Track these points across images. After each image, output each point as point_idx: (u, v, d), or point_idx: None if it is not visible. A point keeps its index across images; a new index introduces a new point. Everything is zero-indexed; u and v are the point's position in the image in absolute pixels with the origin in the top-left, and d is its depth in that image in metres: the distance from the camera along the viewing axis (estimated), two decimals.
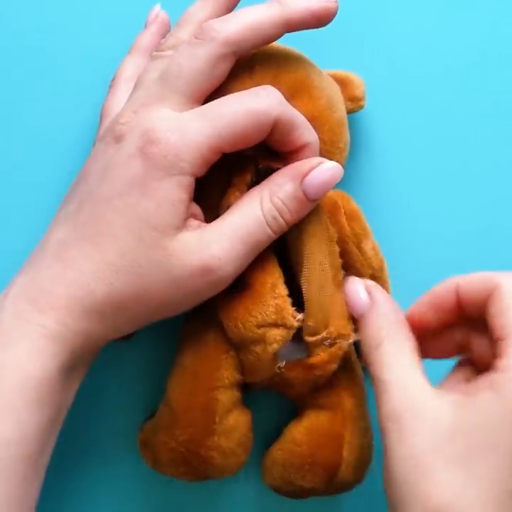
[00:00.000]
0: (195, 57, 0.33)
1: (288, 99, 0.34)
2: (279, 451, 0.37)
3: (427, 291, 0.34)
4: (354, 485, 0.38)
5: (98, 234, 0.32)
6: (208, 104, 0.33)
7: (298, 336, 0.35)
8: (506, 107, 0.42)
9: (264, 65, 0.35)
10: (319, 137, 0.35)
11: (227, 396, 0.36)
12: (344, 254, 0.36)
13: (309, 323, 0.35)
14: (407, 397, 0.31)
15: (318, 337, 0.34)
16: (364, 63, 0.42)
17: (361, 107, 0.40)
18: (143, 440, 0.38)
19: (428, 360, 0.35)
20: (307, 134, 0.34)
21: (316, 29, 0.35)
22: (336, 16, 0.34)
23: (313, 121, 0.35)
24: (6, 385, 0.31)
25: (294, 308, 0.35)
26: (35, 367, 0.31)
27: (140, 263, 0.32)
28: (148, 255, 0.32)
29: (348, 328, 0.35)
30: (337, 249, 0.35)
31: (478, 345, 0.34)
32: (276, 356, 0.35)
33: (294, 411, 0.39)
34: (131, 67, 0.38)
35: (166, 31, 0.40)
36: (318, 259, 0.35)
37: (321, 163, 0.34)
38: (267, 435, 0.39)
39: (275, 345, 0.34)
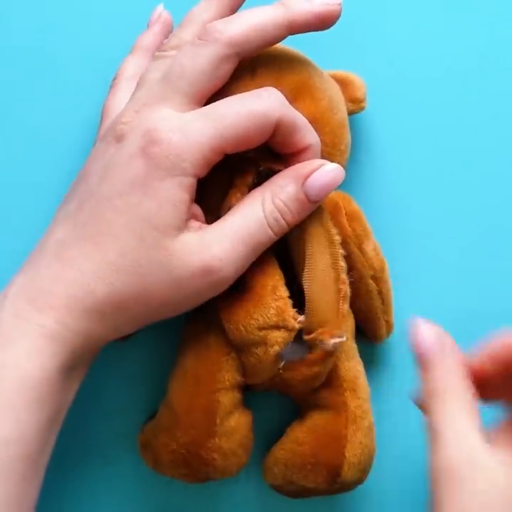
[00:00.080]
0: (198, 57, 0.33)
1: (290, 101, 0.34)
2: (281, 451, 0.37)
3: (487, 343, 0.33)
4: (356, 485, 0.38)
5: (98, 233, 0.32)
6: (211, 105, 0.33)
7: (299, 336, 0.35)
8: (507, 110, 0.42)
9: (267, 67, 0.35)
10: (320, 139, 0.35)
11: (228, 398, 0.36)
12: (345, 255, 0.36)
13: (309, 323, 0.35)
14: (462, 453, 0.30)
15: (313, 335, 0.34)
16: (365, 65, 0.41)
17: (362, 109, 0.40)
18: (143, 441, 0.38)
19: None
20: (309, 136, 0.34)
21: (318, 31, 0.35)
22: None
23: (315, 123, 0.35)
24: (5, 385, 0.31)
25: (295, 309, 0.35)
26: (34, 366, 0.31)
27: (141, 263, 0.32)
28: (149, 255, 0.32)
29: (342, 328, 0.35)
30: (339, 251, 0.35)
31: None
32: (277, 358, 0.35)
33: (295, 411, 0.39)
34: (132, 67, 0.38)
35: (168, 31, 0.40)
36: (319, 259, 0.35)
37: (323, 165, 0.34)
38: (267, 436, 0.39)
39: (276, 347, 0.34)
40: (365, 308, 0.38)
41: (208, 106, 0.33)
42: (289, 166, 0.34)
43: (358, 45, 0.42)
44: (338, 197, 0.37)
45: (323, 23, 0.34)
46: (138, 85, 0.35)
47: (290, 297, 0.35)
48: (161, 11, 0.40)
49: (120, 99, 0.37)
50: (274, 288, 0.34)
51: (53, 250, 0.33)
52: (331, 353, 0.35)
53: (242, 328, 0.34)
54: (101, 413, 0.41)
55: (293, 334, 0.34)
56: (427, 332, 0.32)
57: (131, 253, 0.32)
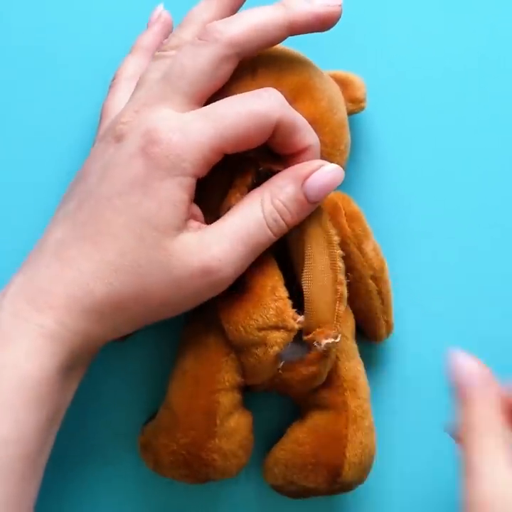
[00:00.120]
0: (199, 57, 0.33)
1: (290, 102, 0.34)
2: (281, 451, 0.37)
3: None
4: (357, 485, 0.38)
5: (98, 233, 0.32)
6: (211, 105, 0.33)
7: (299, 337, 0.35)
8: (507, 110, 0.42)
9: (267, 67, 0.35)
10: (320, 139, 0.35)
11: (228, 398, 0.36)
12: (345, 255, 0.36)
13: (308, 323, 0.35)
14: (498, 487, 0.30)
15: (311, 336, 0.34)
16: (365, 65, 0.42)
17: (362, 109, 0.40)
18: (143, 443, 0.38)
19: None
20: (308, 136, 0.34)
21: (319, 33, 0.35)
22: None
23: (314, 123, 0.35)
24: (4, 385, 0.31)
25: (295, 310, 0.35)
26: (33, 366, 0.31)
27: (140, 263, 0.32)
28: (149, 255, 0.32)
29: (337, 329, 0.35)
30: (337, 252, 0.35)
31: None
32: (277, 358, 0.35)
33: (295, 412, 0.39)
34: (132, 67, 0.38)
35: (168, 31, 0.40)
36: (318, 260, 0.35)
37: (322, 165, 0.34)
38: (267, 436, 0.39)
39: (276, 348, 0.34)
40: (365, 308, 0.38)
41: (208, 106, 0.33)
42: (289, 166, 0.34)
43: (358, 45, 0.42)
44: (337, 197, 0.37)
45: (323, 24, 0.34)
46: (138, 85, 0.35)
47: (289, 298, 0.35)
48: (160, 11, 0.40)
49: (119, 99, 0.37)
50: (273, 288, 0.34)
51: (52, 250, 0.33)
52: (326, 353, 0.35)
53: (242, 328, 0.34)
54: (101, 413, 0.41)
55: (292, 335, 0.34)
56: (468, 366, 0.32)
57: (130, 253, 0.32)
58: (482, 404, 0.31)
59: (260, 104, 0.32)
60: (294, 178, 0.34)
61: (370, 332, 0.40)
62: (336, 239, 0.35)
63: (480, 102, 0.42)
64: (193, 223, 0.33)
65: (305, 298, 0.35)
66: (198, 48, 0.33)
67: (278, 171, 0.34)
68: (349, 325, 0.38)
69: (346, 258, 0.36)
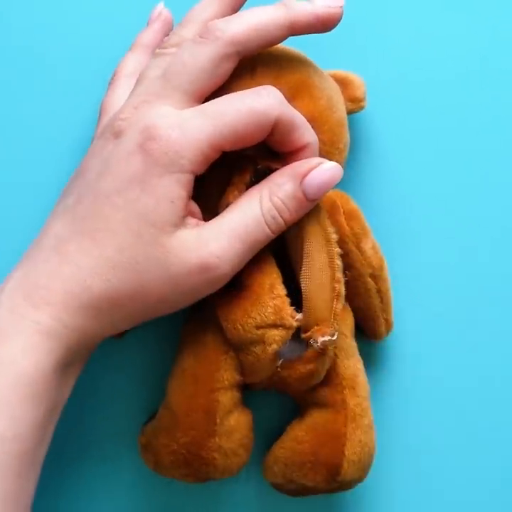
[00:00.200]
0: (199, 55, 0.33)
1: (289, 100, 0.34)
2: (281, 450, 0.37)
3: None
4: (356, 483, 0.37)
5: (96, 229, 0.32)
6: (209, 102, 0.33)
7: (297, 334, 0.35)
8: (507, 109, 0.42)
9: (266, 66, 0.35)
10: (319, 138, 0.35)
11: (227, 397, 0.36)
12: (344, 254, 0.36)
13: (307, 321, 0.35)
14: None
15: (309, 333, 0.34)
16: (365, 65, 0.42)
17: (362, 108, 0.40)
18: (144, 443, 0.38)
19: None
20: (307, 134, 0.34)
21: (319, 34, 0.35)
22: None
23: (313, 121, 0.35)
24: (1, 381, 0.31)
25: (293, 307, 0.34)
26: (29, 363, 0.31)
27: (138, 260, 0.32)
28: (147, 252, 0.32)
29: (334, 326, 0.35)
30: (335, 249, 0.35)
31: None
32: (275, 356, 0.35)
33: (295, 410, 0.39)
34: (132, 64, 0.38)
35: (168, 30, 0.39)
36: (317, 257, 0.35)
37: (321, 163, 0.34)
38: (267, 435, 0.39)
39: (274, 346, 0.34)
40: (365, 306, 0.38)
41: (206, 103, 0.33)
42: (287, 164, 0.34)
43: (357, 45, 0.42)
44: (336, 196, 0.37)
45: (324, 25, 0.34)
46: (137, 82, 0.35)
47: (288, 295, 0.35)
48: (161, 9, 0.40)
49: (118, 96, 0.37)
50: (271, 286, 0.34)
51: (51, 245, 0.33)
52: (324, 351, 0.35)
53: (240, 327, 0.34)
54: (100, 411, 0.41)
55: (291, 332, 0.34)
56: None
57: (128, 249, 0.32)
58: None
59: (259, 102, 0.32)
60: (292, 176, 0.34)
61: (369, 330, 0.40)
62: (334, 237, 0.35)
63: (480, 101, 0.42)
64: (191, 220, 0.33)
65: (303, 296, 0.35)
66: (198, 45, 0.33)
67: (276, 169, 0.34)
68: (348, 323, 0.38)
69: (345, 256, 0.36)
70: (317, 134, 0.35)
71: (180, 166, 0.32)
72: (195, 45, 0.33)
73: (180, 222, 0.32)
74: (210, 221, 0.33)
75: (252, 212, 0.33)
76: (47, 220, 0.34)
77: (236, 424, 0.36)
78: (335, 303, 0.35)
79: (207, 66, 0.33)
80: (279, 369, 0.35)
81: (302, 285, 0.35)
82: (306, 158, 0.34)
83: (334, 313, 0.34)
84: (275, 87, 0.33)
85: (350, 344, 0.38)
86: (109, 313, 0.33)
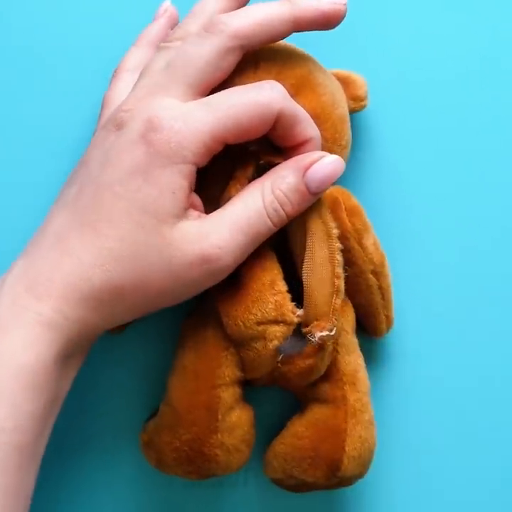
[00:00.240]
0: (203, 48, 0.33)
1: (292, 95, 0.34)
2: (281, 445, 0.37)
3: None
4: (356, 479, 0.37)
5: (98, 220, 0.32)
6: (213, 95, 0.33)
7: (298, 330, 0.35)
8: (507, 107, 0.43)
9: (269, 61, 0.36)
10: (321, 134, 0.35)
11: (228, 393, 0.36)
12: (345, 250, 0.36)
13: (307, 316, 0.35)
14: None
15: (308, 328, 0.34)
16: (367, 64, 0.42)
17: (363, 107, 0.40)
18: (146, 440, 0.38)
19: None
20: (309, 129, 0.34)
21: (323, 31, 0.35)
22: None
23: (316, 117, 0.35)
24: (0, 373, 0.31)
25: (294, 303, 0.35)
26: (30, 354, 0.31)
27: (139, 250, 0.32)
28: (148, 243, 0.32)
29: (333, 322, 0.35)
30: (336, 244, 0.35)
31: None
32: (276, 352, 0.35)
33: (295, 406, 0.39)
34: (135, 58, 0.38)
35: (173, 26, 0.39)
36: (318, 252, 0.35)
37: (323, 156, 0.34)
38: (268, 430, 0.39)
39: (275, 342, 0.34)
40: (366, 303, 0.39)
41: (210, 96, 0.33)
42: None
43: (359, 45, 0.42)
44: (337, 192, 0.37)
45: (328, 21, 0.35)
46: (141, 74, 0.35)
47: (288, 291, 0.35)
48: (167, 6, 0.40)
49: (121, 90, 0.37)
50: (272, 282, 0.34)
51: (53, 236, 0.33)
52: (322, 346, 0.35)
53: (241, 323, 0.34)
54: (101, 407, 0.41)
55: (292, 328, 0.34)
56: None
57: (129, 240, 0.32)
58: None
59: (262, 95, 0.33)
60: (295, 169, 0.34)
61: (370, 327, 0.40)
62: (336, 232, 0.35)
63: (481, 100, 0.42)
64: (193, 212, 0.33)
65: (304, 291, 0.35)
66: (203, 38, 0.33)
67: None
68: (349, 319, 0.38)
69: (347, 253, 0.36)
70: (319, 130, 0.35)
71: (182, 157, 0.32)
72: (199, 38, 0.33)
73: (181, 214, 0.32)
74: (212, 213, 0.33)
75: (254, 204, 0.33)
76: (49, 212, 0.34)
77: (238, 420, 0.36)
78: (334, 298, 0.35)
79: (211, 59, 0.33)
80: (279, 364, 0.35)
81: (304, 279, 0.35)
82: (308, 152, 0.34)
83: (333, 309, 0.34)
84: (278, 82, 0.34)
85: (351, 340, 0.38)
86: (110, 305, 0.32)
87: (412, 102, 0.42)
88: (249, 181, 0.35)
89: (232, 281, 0.35)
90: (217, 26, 0.33)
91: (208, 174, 0.34)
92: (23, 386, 0.31)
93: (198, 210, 0.34)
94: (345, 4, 0.34)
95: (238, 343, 0.35)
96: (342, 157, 0.36)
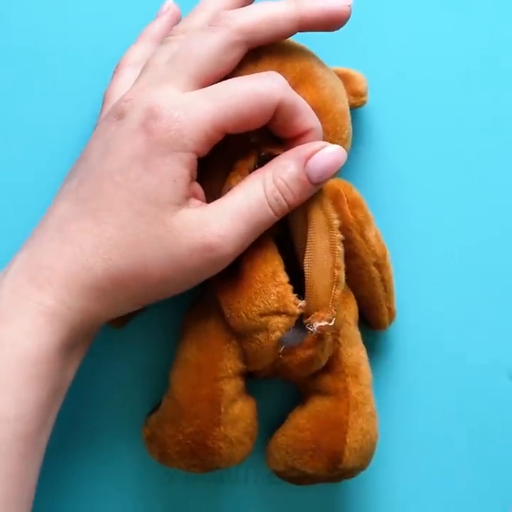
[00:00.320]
0: (207, 41, 0.33)
1: (292, 88, 0.34)
2: (282, 437, 0.37)
3: None
4: (358, 472, 0.37)
5: (98, 209, 0.32)
6: (214, 85, 0.33)
7: (300, 321, 0.35)
8: (506, 102, 0.43)
9: (270, 55, 0.36)
10: (322, 127, 0.35)
11: (231, 386, 0.36)
12: (348, 242, 0.36)
13: (308, 307, 0.35)
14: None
15: (309, 319, 0.34)
16: (366, 61, 0.42)
17: (363, 103, 0.40)
18: (148, 434, 0.38)
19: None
20: (310, 119, 0.34)
21: (327, 32, 0.35)
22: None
23: (317, 110, 0.35)
24: (4, 363, 0.31)
25: (296, 295, 0.35)
26: (33, 344, 0.31)
27: (139, 239, 0.32)
28: (148, 231, 0.32)
29: (332, 312, 0.34)
30: (337, 235, 0.35)
31: None
32: (278, 343, 0.35)
33: (297, 398, 0.39)
34: (136, 54, 0.38)
35: (176, 23, 0.39)
36: (319, 243, 0.35)
37: (324, 146, 0.34)
38: (270, 422, 0.39)
39: (278, 333, 0.34)
40: (368, 295, 0.39)
41: (211, 86, 0.33)
42: None
43: (359, 43, 0.42)
44: (338, 184, 0.37)
45: (333, 22, 0.35)
46: (144, 68, 0.35)
47: (290, 282, 0.35)
48: (170, 4, 0.40)
49: (121, 85, 0.37)
50: (274, 274, 0.34)
51: (55, 225, 0.33)
52: (321, 336, 0.35)
53: (244, 315, 0.34)
54: (103, 401, 0.41)
55: (294, 319, 0.34)
56: None
57: (130, 228, 0.32)
58: None
59: (263, 85, 0.33)
60: (296, 159, 0.34)
61: (373, 319, 0.40)
62: (337, 222, 0.35)
63: (480, 98, 0.42)
64: (195, 201, 0.33)
65: (306, 281, 0.35)
66: (207, 32, 0.33)
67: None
68: (352, 311, 0.38)
69: (349, 244, 0.36)
70: (320, 123, 0.35)
71: (183, 146, 0.32)
72: (204, 32, 0.34)
73: (182, 202, 0.32)
74: (214, 202, 0.33)
75: (256, 193, 0.33)
76: (52, 201, 0.34)
77: (240, 412, 0.36)
78: (334, 288, 0.35)
79: (214, 53, 0.33)
80: (280, 356, 0.35)
81: (305, 271, 0.35)
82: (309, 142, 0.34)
83: (333, 299, 0.34)
84: None
85: (354, 332, 0.38)
86: (112, 294, 0.33)
87: (412, 99, 0.42)
88: (251, 172, 0.35)
89: (233, 272, 0.35)
90: (222, 21, 0.33)
91: (209, 165, 0.34)
92: (26, 376, 0.31)
93: (199, 199, 0.34)
94: (350, 6, 0.35)
95: (241, 335, 0.35)
96: None
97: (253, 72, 0.34)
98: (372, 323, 0.40)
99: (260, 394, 0.38)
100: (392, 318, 0.40)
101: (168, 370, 0.37)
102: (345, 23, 0.35)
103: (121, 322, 0.38)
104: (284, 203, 0.34)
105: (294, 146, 0.34)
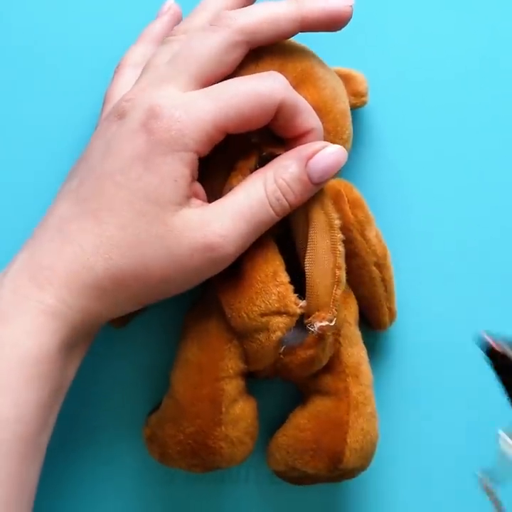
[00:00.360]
0: (209, 41, 0.33)
1: (293, 88, 0.34)
2: (283, 437, 0.37)
3: None
4: (358, 472, 0.38)
5: (99, 208, 0.32)
6: (215, 85, 0.33)
7: (300, 321, 0.35)
8: (506, 102, 0.43)
9: (271, 55, 0.36)
10: (323, 127, 0.35)
11: (232, 386, 0.36)
12: (348, 242, 0.36)
13: (309, 307, 0.35)
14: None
15: (310, 319, 0.34)
16: (367, 62, 0.42)
17: (364, 103, 0.40)
18: (149, 434, 0.38)
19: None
20: (311, 119, 0.34)
21: (329, 32, 0.35)
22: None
23: (318, 110, 0.35)
24: (4, 363, 0.31)
25: (296, 295, 0.35)
26: (34, 344, 0.31)
27: (140, 238, 0.32)
28: (149, 230, 0.32)
29: (333, 312, 0.35)
30: (338, 235, 0.35)
31: None
32: (279, 343, 0.35)
33: (297, 398, 0.39)
34: (137, 54, 0.38)
35: (177, 23, 0.39)
36: (320, 243, 0.35)
37: (326, 146, 0.34)
38: (270, 422, 0.39)
39: (279, 333, 0.34)
40: (369, 295, 0.39)
41: (212, 86, 0.33)
42: None
43: (359, 43, 0.42)
44: (339, 184, 0.37)
45: (334, 22, 0.35)
46: (145, 68, 0.35)
47: (291, 282, 0.35)
48: (171, 4, 0.40)
49: (122, 86, 0.37)
50: (275, 274, 0.34)
51: (55, 225, 0.33)
52: (322, 336, 0.35)
53: (245, 314, 0.34)
54: (104, 401, 0.41)
55: (295, 319, 0.34)
56: None
57: (130, 228, 0.32)
58: None
59: (264, 85, 0.33)
60: (297, 159, 0.34)
61: (373, 320, 0.40)
62: (338, 222, 0.35)
63: (480, 98, 0.42)
64: (196, 201, 0.33)
65: (307, 281, 0.35)
66: (209, 32, 0.33)
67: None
68: (353, 311, 0.38)
69: (350, 244, 0.36)
70: (321, 122, 0.35)
71: (183, 145, 0.32)
72: (205, 32, 0.34)
73: (183, 202, 0.32)
74: (215, 202, 0.33)
75: (257, 193, 0.33)
76: (52, 201, 0.34)
77: (241, 412, 0.36)
78: (335, 288, 0.35)
79: (215, 53, 0.33)
80: (281, 356, 0.35)
81: (306, 271, 0.35)
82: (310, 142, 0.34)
83: (334, 299, 0.34)
84: None
85: (354, 332, 0.38)
86: (113, 293, 0.32)
87: (412, 99, 0.42)
88: (252, 172, 0.35)
89: (234, 272, 0.35)
90: (223, 21, 0.33)
91: (210, 165, 0.34)
92: (26, 376, 0.31)
93: (200, 199, 0.34)
94: (351, 6, 0.35)
95: (241, 335, 0.35)
96: None
97: (254, 72, 0.34)
98: (372, 323, 0.40)
99: (261, 394, 0.38)
100: (392, 319, 0.40)
101: (169, 370, 0.37)
102: (346, 23, 0.35)
103: (122, 322, 0.38)
104: (285, 203, 0.34)
105: (295, 146, 0.34)
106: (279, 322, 0.34)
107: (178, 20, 0.40)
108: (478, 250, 0.42)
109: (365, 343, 0.39)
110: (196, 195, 0.34)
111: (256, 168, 0.35)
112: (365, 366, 0.38)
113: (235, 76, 0.34)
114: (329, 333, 0.35)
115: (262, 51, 0.35)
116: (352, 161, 0.40)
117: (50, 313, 0.31)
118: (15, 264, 0.33)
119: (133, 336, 0.41)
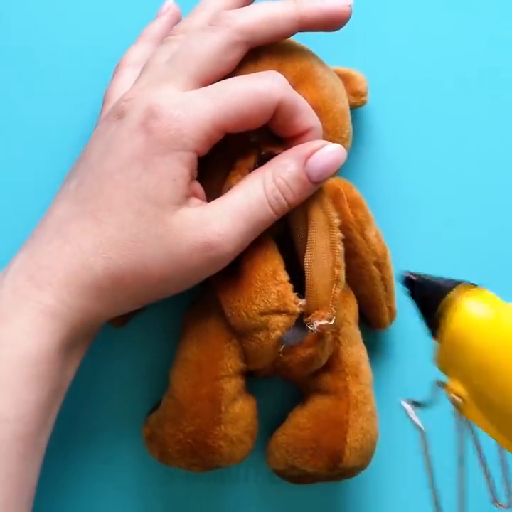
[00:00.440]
0: (208, 41, 0.33)
1: (292, 87, 0.34)
2: (283, 436, 0.37)
3: None
4: (358, 471, 0.38)
5: (98, 208, 0.32)
6: (214, 84, 0.33)
7: (300, 320, 0.35)
8: (506, 102, 0.43)
9: (270, 55, 0.36)
10: (322, 126, 0.35)
11: (231, 385, 0.36)
12: (348, 241, 0.36)
13: (308, 306, 0.35)
14: None
15: (309, 318, 0.34)
16: (366, 61, 0.42)
17: (364, 103, 0.40)
18: (148, 433, 0.38)
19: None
20: (310, 119, 0.34)
21: (328, 32, 0.35)
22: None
23: (317, 110, 0.35)
24: (4, 363, 0.31)
25: (296, 293, 0.35)
26: (33, 344, 0.31)
27: (139, 237, 0.32)
28: (148, 230, 0.32)
29: (332, 311, 0.35)
30: (337, 234, 0.35)
31: None
32: (278, 342, 0.35)
33: (297, 397, 0.39)
34: (136, 54, 0.38)
35: (176, 23, 0.39)
36: (319, 242, 0.35)
37: (324, 145, 0.34)
38: (269, 421, 0.39)
39: (278, 332, 0.34)
40: (369, 294, 0.39)
41: (211, 85, 0.33)
42: None
43: (360, 44, 0.42)
44: (339, 184, 0.37)
45: (333, 22, 0.35)
46: (143, 68, 0.35)
47: (290, 281, 0.35)
48: (170, 4, 0.40)
49: (121, 85, 0.37)
50: (274, 273, 0.34)
51: (54, 226, 0.33)
52: (321, 335, 0.35)
53: (244, 313, 0.34)
54: (103, 401, 0.41)
55: (294, 318, 0.34)
56: None
57: (129, 227, 0.32)
58: None
59: (263, 85, 0.33)
60: (296, 158, 0.34)
61: (373, 319, 0.40)
62: (337, 221, 0.35)
63: (479, 98, 0.43)
64: (195, 200, 0.33)
65: (306, 280, 0.35)
66: (208, 32, 0.33)
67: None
68: (352, 310, 0.38)
69: (349, 244, 0.36)
70: (320, 122, 0.35)
71: (182, 145, 0.32)
72: (204, 32, 0.34)
73: (182, 201, 0.32)
74: (214, 201, 0.33)
75: (256, 192, 0.33)
76: (52, 201, 0.34)
77: (241, 411, 0.36)
78: (334, 287, 0.35)
79: (214, 52, 0.33)
80: (281, 354, 0.35)
81: (305, 269, 0.35)
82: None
83: (333, 298, 0.34)
84: None
85: (354, 331, 0.38)
86: (112, 293, 0.32)
87: (412, 99, 0.43)
88: (251, 171, 0.35)
89: (234, 271, 0.35)
90: (222, 21, 0.33)
91: (209, 164, 0.34)
92: (26, 376, 0.31)
93: (199, 198, 0.34)
94: (350, 6, 0.35)
95: (241, 334, 0.35)
96: None
97: (253, 72, 0.34)
98: (372, 322, 0.40)
99: (260, 393, 0.38)
100: (392, 318, 0.40)
101: (169, 369, 0.37)
102: (345, 23, 0.35)
103: (121, 321, 0.38)
104: (284, 202, 0.34)
105: (294, 145, 0.34)
106: (279, 321, 0.34)
107: (177, 20, 0.40)
108: (478, 250, 0.42)
109: (365, 342, 0.39)
110: (195, 195, 0.34)
111: (255, 168, 0.35)
112: (365, 365, 0.38)
113: (234, 76, 0.34)
114: (328, 332, 0.35)
115: (261, 51, 0.35)
116: (351, 161, 0.40)
117: (50, 314, 0.32)
118: (14, 264, 0.33)
119: (132, 335, 0.41)
